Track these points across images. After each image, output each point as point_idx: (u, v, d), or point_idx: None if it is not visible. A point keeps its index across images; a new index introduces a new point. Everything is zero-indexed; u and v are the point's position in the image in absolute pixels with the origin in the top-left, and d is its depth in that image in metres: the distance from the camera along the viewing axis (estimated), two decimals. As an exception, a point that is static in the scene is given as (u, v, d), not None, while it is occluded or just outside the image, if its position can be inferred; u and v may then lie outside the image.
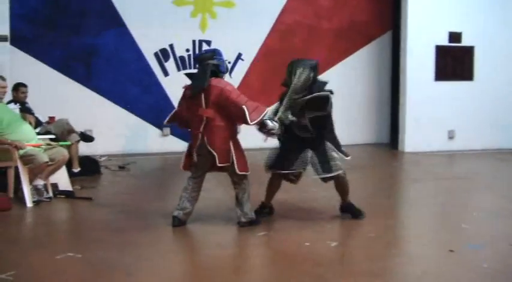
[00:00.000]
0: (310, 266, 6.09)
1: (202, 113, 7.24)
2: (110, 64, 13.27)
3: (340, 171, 7.71)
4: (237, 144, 7.47)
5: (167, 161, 12.96)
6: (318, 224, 7.59)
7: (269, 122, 7.32)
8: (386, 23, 15.20)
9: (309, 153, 7.61)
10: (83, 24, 13.06)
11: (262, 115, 7.19)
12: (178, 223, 7.35)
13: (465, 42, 14.25)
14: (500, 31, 14.30)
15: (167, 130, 13.67)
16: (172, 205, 7.63)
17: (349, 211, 7.97)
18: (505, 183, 10.73)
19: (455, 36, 14.17)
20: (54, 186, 9.10)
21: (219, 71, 7.45)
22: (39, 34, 12.79)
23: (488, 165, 12.64)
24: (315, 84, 7.72)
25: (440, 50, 14.01)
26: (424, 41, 13.78)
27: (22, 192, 8.47)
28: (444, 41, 14.07)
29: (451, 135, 14.23)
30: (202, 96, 7.24)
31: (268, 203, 8.16)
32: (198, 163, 7.44)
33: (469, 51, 14.32)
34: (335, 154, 7.74)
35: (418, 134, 13.64)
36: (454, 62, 14.24)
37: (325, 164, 7.62)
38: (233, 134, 7.46)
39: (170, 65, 13.72)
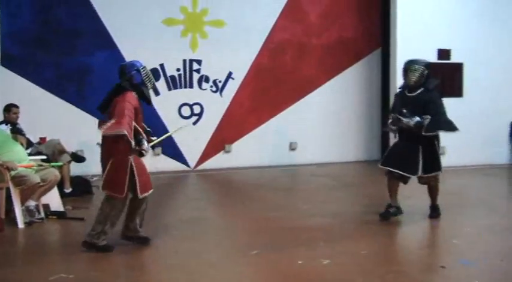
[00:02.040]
0: (303, 283, 6.11)
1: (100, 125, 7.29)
2: (101, 84, 13.17)
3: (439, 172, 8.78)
4: (119, 162, 7.03)
5: (158, 180, 12.92)
6: (311, 241, 7.59)
7: (145, 143, 7.19)
8: (376, 40, 15.34)
9: (419, 155, 8.46)
10: (73, 45, 13.09)
11: (112, 131, 6.88)
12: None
13: (454, 59, 14.35)
14: (488, 48, 14.41)
15: (158, 149, 13.67)
16: (165, 224, 7.63)
17: (435, 211, 8.93)
18: (495, 199, 10.78)
19: (444, 53, 14.27)
20: (46, 206, 9.09)
21: (131, 85, 7.30)
22: (30, 55, 12.81)
23: (479, 181, 12.71)
24: (429, 82, 8.51)
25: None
26: (413, 58, 13.82)
27: (14, 213, 8.44)
28: (433, 58, 14.13)
29: (441, 152, 14.22)
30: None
31: (394, 203, 8.78)
32: None
33: (458, 68, 14.42)
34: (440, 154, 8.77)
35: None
36: (443, 78, 14.30)
37: (431, 162, 8.59)
38: (119, 151, 7.01)
39: (161, 84, 13.72)
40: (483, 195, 11.15)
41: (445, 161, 13.92)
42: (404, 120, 8.28)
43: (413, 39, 13.79)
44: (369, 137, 15.29)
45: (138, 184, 7.10)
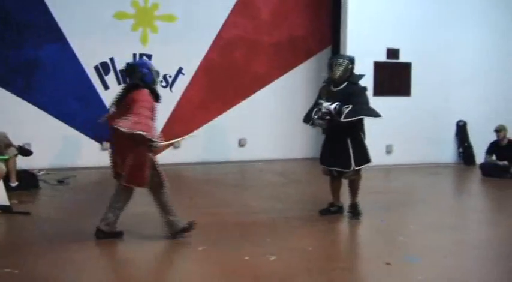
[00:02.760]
0: (249, 280, 6.13)
1: (112, 122, 7.26)
2: (50, 77, 13.12)
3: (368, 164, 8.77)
4: (140, 155, 7.21)
5: (107, 175, 12.71)
6: (258, 237, 7.64)
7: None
8: (326, 38, 15.43)
9: (349, 148, 8.52)
10: (22, 37, 12.89)
11: (131, 130, 6.95)
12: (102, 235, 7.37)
13: (403, 58, 14.53)
14: (436, 48, 14.61)
15: (107, 144, 13.57)
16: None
17: (354, 210, 8.82)
18: (440, 197, 10.96)
19: (393, 53, 14.44)
20: (-9, 200, 8.96)
21: (143, 82, 7.34)
22: (-24, 46, 12.62)
23: (424, 179, 12.88)
24: (353, 76, 8.66)
25: (378, 66, 14.23)
26: (363, 56, 13.89)
27: (-42, 207, 8.33)
28: (382, 57, 14.31)
29: (389, 150, 14.46)
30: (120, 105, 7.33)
31: (337, 202, 8.94)
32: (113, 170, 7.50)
33: (406, 67, 14.60)
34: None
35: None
36: (391, 77, 14.49)
37: (360, 155, 8.60)
38: (138, 144, 7.12)
39: (110, 78, 13.64)
40: (428, 193, 11.33)
41: (391, 159, 14.32)
42: (325, 103, 8.35)
43: (363, 38, 13.90)
44: (316, 134, 15.35)
45: (161, 175, 7.47)
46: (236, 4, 14.60)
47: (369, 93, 13.85)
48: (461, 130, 15.07)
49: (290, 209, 9.35)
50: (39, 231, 7.99)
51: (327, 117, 8.35)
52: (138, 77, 7.35)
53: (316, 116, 8.53)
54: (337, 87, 8.62)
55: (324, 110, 8.35)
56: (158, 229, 7.92)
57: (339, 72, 8.54)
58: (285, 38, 15.10)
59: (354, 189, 8.88)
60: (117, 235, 7.46)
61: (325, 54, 15.36)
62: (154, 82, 7.49)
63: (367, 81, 14.00)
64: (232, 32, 14.61)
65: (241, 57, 14.74)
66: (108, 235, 7.37)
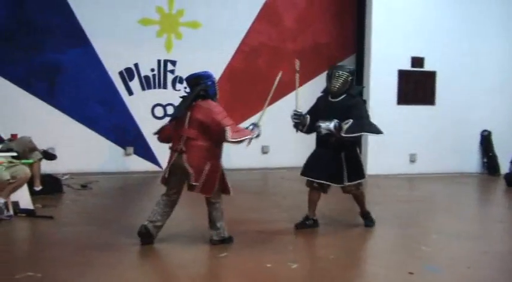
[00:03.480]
0: (271, 287, 6.12)
1: (184, 132, 7.32)
2: (74, 82, 13.19)
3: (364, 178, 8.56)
4: (214, 167, 7.40)
5: (130, 180, 12.91)
6: (280, 245, 7.61)
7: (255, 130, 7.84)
8: (350, 46, 15.38)
9: (342, 163, 8.29)
10: (47, 41, 12.98)
11: (243, 138, 7.36)
12: (145, 232, 7.36)
13: (427, 67, 14.46)
14: (461, 57, 14.53)
15: (130, 149, 13.65)
16: (134, 225, 7.61)
17: (368, 219, 8.73)
18: (464, 206, 10.89)
19: (417, 61, 14.37)
20: (15, 204, 8.99)
21: (207, 94, 7.48)
22: (1, 50, 12.69)
23: (448, 189, 12.80)
24: (352, 88, 8.45)
25: (402, 75, 14.18)
26: (387, 65, 13.94)
27: (-18, 210, 8.37)
28: (407, 66, 14.25)
29: (412, 159, 14.39)
30: (188, 115, 7.36)
31: (312, 215, 8.57)
32: (172, 180, 7.49)
33: (431, 76, 14.53)
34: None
35: (380, 157, 13.72)
36: (416, 86, 14.43)
37: (355, 170, 8.38)
38: (213, 156, 7.43)
39: (135, 84, 13.71)
40: (451, 202, 11.25)
41: (415, 168, 14.24)
42: (323, 125, 8.24)
43: (388, 47, 13.88)
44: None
45: (228, 184, 7.67)
46: (261, 11, 14.62)
47: (393, 101, 14.06)
48: (486, 140, 14.96)
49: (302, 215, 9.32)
50: (61, 235, 8.02)
51: (328, 134, 8.24)
52: (202, 88, 7.46)
53: (295, 117, 8.95)
54: (335, 98, 8.50)
55: (324, 132, 8.24)
56: (177, 235, 7.93)
57: (338, 84, 8.41)
58: (308, 46, 15.09)
59: (360, 201, 8.74)
60: (229, 240, 7.62)
61: (349, 62, 15.30)
62: (216, 95, 7.64)
63: (391, 90, 14.09)
64: (257, 38, 14.63)
65: (265, 64, 14.72)
66: (222, 241, 7.54)
